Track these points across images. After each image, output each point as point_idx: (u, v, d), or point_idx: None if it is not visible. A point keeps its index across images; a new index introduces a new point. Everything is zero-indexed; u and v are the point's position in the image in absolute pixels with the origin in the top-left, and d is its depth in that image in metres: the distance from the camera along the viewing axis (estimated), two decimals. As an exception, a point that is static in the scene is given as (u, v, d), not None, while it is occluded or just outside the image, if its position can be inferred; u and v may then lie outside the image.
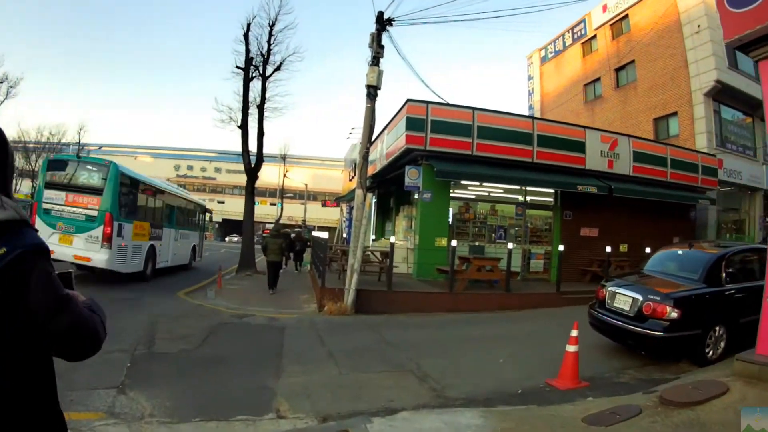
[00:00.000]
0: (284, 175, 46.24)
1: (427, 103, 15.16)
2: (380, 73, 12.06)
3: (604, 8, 26.90)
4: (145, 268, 15.46)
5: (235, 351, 8.21)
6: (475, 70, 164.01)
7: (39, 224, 12.46)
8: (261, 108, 21.34)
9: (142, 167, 78.35)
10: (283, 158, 46.35)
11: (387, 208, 23.13)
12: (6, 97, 35.05)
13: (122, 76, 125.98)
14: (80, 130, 45.20)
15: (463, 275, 13.14)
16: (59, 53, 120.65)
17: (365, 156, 12.29)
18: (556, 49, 32.01)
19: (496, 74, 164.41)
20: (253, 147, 21.17)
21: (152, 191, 16.69)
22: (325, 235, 17.13)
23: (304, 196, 63.41)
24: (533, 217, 17.73)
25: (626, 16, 25.32)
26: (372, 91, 12.02)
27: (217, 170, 75.87)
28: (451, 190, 15.86)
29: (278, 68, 21.32)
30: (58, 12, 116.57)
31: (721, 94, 20.77)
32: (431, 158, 15.06)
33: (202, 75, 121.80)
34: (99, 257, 12.93)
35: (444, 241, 15.30)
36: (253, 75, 20.98)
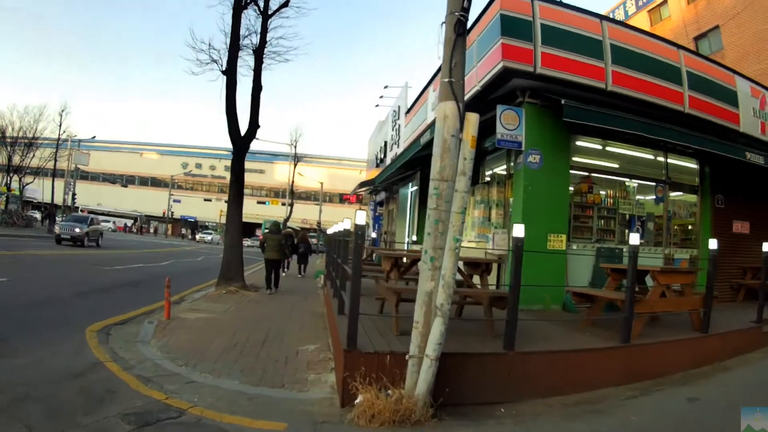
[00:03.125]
0: (294, 165, 39.33)
1: (531, -4, 8.67)
2: None
3: (676, -35, 22.74)
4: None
5: None
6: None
7: None
8: (259, 53, 14.79)
9: (147, 165, 74.09)
10: (294, 146, 39.35)
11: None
12: None
13: (109, 57, 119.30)
14: (62, 111, 38.51)
15: (643, 306, 6.38)
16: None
17: (459, 27, 4.91)
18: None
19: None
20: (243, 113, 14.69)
21: None
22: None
23: (318, 196, 57.23)
24: (674, 203, 11.62)
25: (704, -28, 21.41)
26: None
27: (227, 168, 69.48)
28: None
29: (286, 3, 14.84)
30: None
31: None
32: (543, 92, 8.46)
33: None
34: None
35: (562, 241, 8.70)
36: (247, 1, 14.39)
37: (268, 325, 8.88)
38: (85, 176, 64.70)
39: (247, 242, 48.22)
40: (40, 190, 46.64)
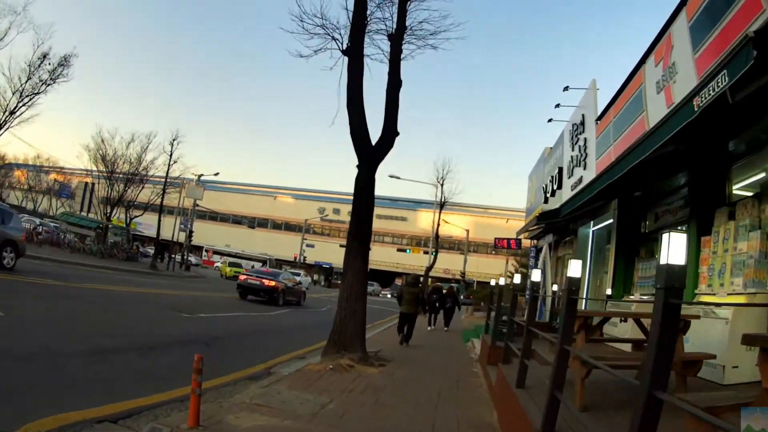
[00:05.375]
0: (441, 207, 34.87)
1: None
2: None
3: None
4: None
5: None
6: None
7: None
8: (397, 39, 10.87)
9: (282, 208, 74.21)
10: (441, 183, 34.78)
11: (638, 238, 11.06)
12: (55, 79, 27.58)
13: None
14: (174, 140, 36.59)
15: None
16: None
17: None
18: None
19: None
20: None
21: None
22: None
23: (462, 246, 52.85)
24: None
25: None
26: None
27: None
28: None
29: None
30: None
31: None
32: None
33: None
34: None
35: None
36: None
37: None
38: (214, 217, 67.78)
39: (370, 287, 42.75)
40: (154, 226, 45.70)
